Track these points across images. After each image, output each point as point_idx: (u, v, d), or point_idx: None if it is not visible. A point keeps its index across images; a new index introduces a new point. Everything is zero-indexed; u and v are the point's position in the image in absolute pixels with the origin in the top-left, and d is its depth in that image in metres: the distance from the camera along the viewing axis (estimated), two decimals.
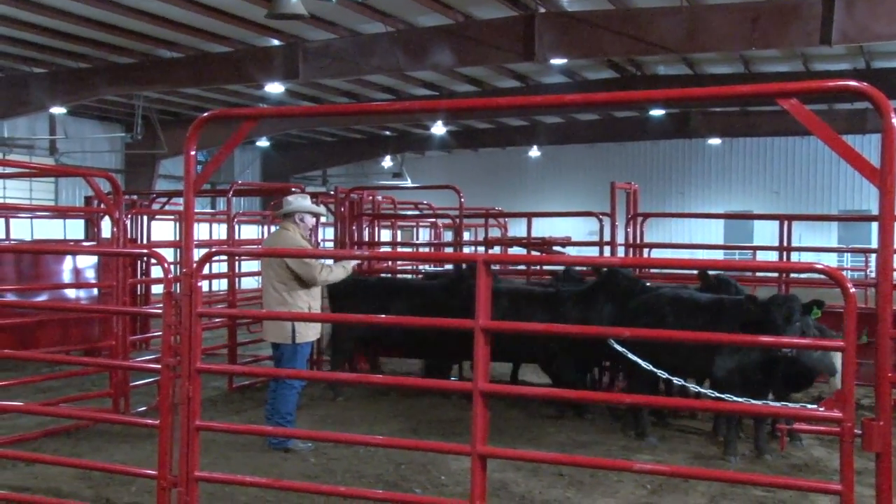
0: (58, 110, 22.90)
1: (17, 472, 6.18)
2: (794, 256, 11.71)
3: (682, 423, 7.98)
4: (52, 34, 16.40)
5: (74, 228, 17.35)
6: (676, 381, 6.34)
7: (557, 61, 16.89)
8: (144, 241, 12.76)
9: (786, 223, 9.74)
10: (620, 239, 10.04)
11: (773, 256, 12.31)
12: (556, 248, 12.95)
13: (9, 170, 12.70)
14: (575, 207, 29.04)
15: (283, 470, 6.42)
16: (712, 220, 30.69)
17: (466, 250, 12.97)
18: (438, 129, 28.45)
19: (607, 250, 9.87)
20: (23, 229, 14.34)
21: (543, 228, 18.03)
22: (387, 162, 34.57)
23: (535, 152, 33.63)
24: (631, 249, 10.06)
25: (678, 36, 13.97)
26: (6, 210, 12.93)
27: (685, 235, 30.92)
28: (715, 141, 31.33)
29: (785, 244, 9.70)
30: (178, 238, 12.26)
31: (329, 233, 12.45)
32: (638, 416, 7.48)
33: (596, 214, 10.37)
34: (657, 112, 26.01)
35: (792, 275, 9.93)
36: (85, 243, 11.90)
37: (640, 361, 6.41)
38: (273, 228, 9.48)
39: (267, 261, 7.09)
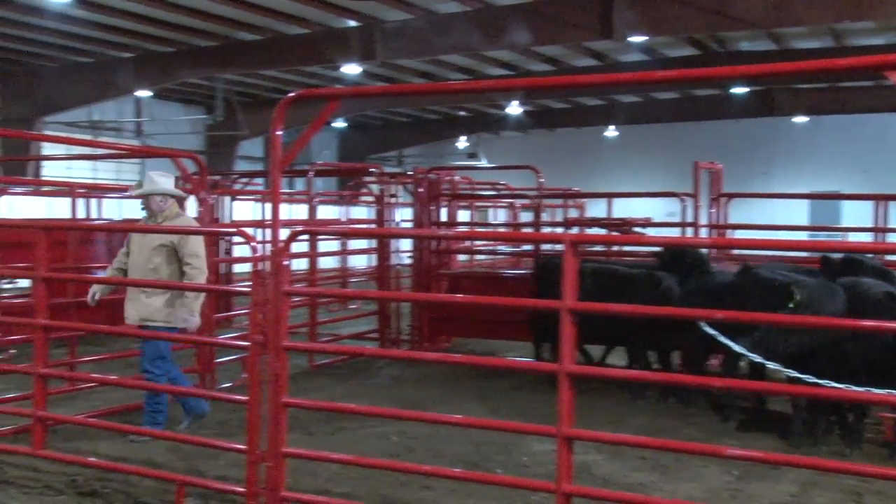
0: (143, 93, 23.54)
1: (113, 444, 6.40)
2: (891, 237, 11.20)
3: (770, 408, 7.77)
4: (138, 19, 16.81)
5: None
6: (773, 366, 6.13)
7: (636, 39, 16.51)
8: (226, 221, 13.02)
9: (881, 203, 9.35)
10: (703, 220, 9.81)
11: (865, 238, 11.84)
12: (636, 229, 12.71)
13: (101, 151, 13.07)
14: (652, 188, 28.27)
15: (363, 448, 6.49)
16: (794, 201, 29.61)
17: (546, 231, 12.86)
18: (514, 109, 28.22)
19: (690, 231, 9.66)
20: (112, 209, 14.77)
21: (619, 209, 17.74)
22: (461, 142, 34.51)
23: (611, 132, 33.07)
24: (715, 231, 9.84)
25: (763, 10, 13.49)
26: (98, 191, 13.34)
27: (767, 216, 29.87)
28: (801, 119, 30.24)
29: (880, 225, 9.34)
30: (258, 217, 12.48)
31: (408, 213, 12.48)
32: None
33: (679, 195, 10.15)
34: (740, 90, 25.19)
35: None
36: None
37: (732, 345, 6.22)
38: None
39: (179, 242, 6.75)
